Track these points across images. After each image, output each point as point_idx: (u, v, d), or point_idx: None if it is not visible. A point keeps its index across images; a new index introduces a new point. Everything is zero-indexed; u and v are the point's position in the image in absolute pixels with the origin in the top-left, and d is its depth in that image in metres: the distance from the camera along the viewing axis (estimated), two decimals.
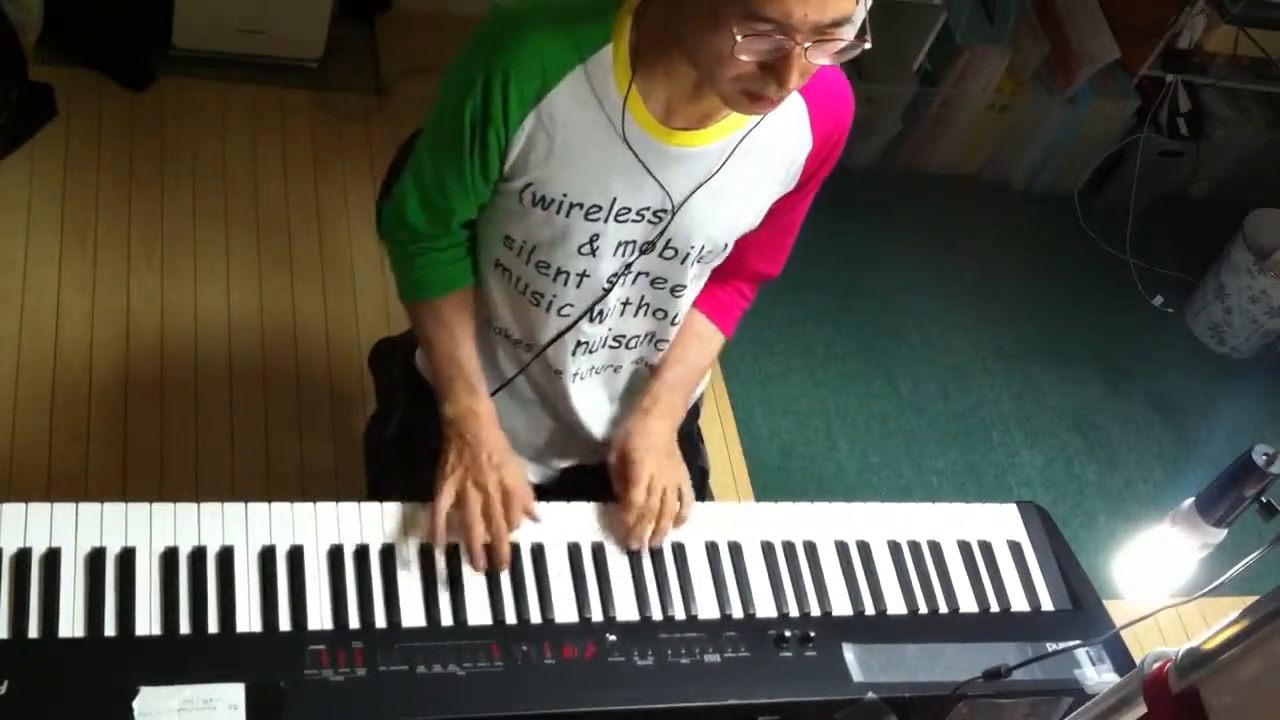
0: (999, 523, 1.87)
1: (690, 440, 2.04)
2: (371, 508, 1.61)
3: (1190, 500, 1.63)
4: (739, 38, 1.32)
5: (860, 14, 1.35)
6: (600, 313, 1.69)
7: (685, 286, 1.70)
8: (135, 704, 1.36)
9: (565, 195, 1.56)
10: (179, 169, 3.06)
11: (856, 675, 1.61)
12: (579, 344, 1.73)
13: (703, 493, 2.06)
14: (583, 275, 1.63)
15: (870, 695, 1.59)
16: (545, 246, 1.62)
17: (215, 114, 3.18)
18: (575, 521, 1.68)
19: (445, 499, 1.61)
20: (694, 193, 1.57)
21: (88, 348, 2.71)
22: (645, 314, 1.73)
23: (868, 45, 1.36)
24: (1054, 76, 3.66)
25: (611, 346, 1.76)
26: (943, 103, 3.63)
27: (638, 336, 1.76)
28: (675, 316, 1.76)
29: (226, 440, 2.66)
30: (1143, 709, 1.23)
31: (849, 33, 1.35)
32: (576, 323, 1.69)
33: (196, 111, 3.17)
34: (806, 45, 1.32)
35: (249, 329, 2.84)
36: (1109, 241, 3.84)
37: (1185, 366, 3.68)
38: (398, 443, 1.92)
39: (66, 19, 3.09)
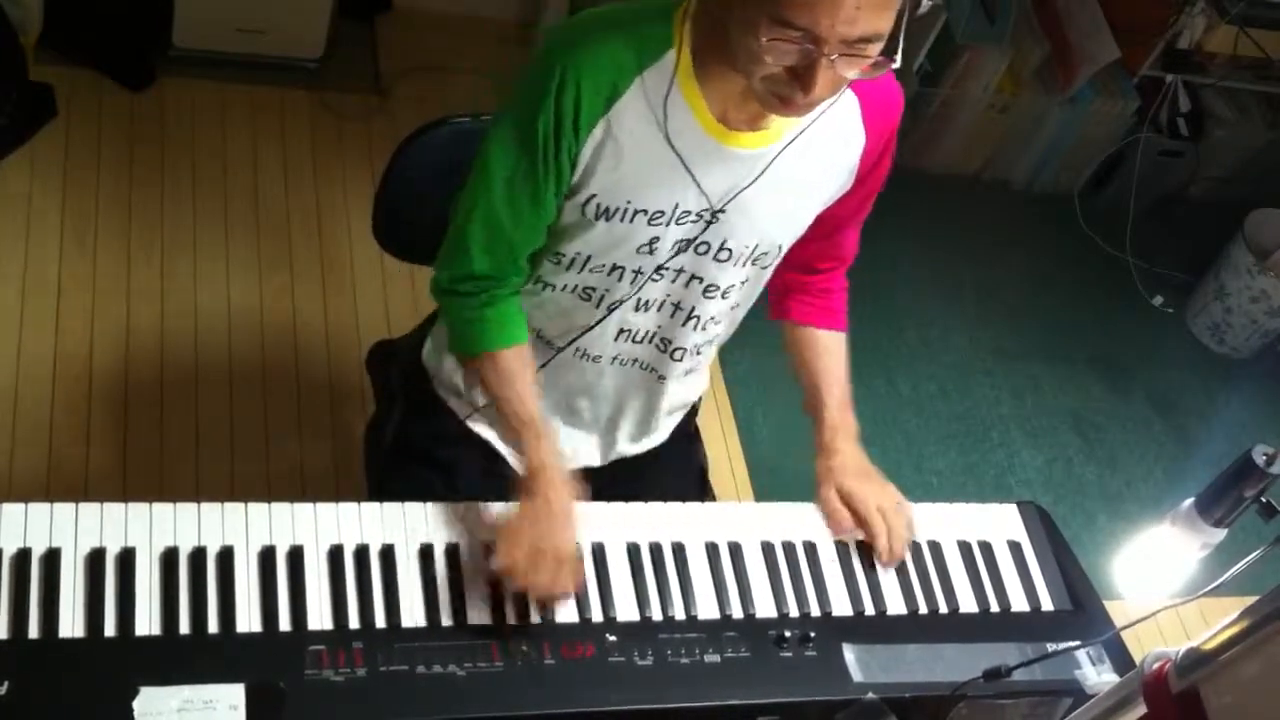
0: (999, 523, 1.87)
1: (688, 438, 2.04)
2: (371, 508, 1.61)
3: (1190, 500, 1.63)
4: (764, 40, 1.33)
5: (890, 27, 1.35)
6: (646, 303, 1.68)
7: (720, 288, 1.68)
8: (135, 704, 1.36)
9: (630, 203, 1.56)
10: (179, 169, 3.06)
11: (856, 675, 1.61)
12: (621, 331, 1.72)
13: (702, 490, 2.06)
14: (638, 272, 1.63)
15: (870, 695, 1.58)
16: (603, 251, 1.61)
17: (215, 114, 3.18)
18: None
19: (507, 560, 1.53)
20: (740, 193, 1.57)
21: (88, 347, 2.71)
22: (661, 309, 1.71)
23: (897, 64, 1.36)
24: (1054, 76, 3.66)
25: (637, 341, 1.75)
26: (943, 103, 3.63)
27: (649, 331, 1.74)
28: (699, 321, 1.72)
29: (226, 440, 2.66)
30: (1143, 709, 1.22)
31: (879, 49, 1.35)
32: (616, 307, 1.68)
33: (196, 111, 3.17)
34: (834, 57, 1.33)
35: (249, 329, 2.84)
36: (1109, 241, 3.84)
37: (1185, 366, 3.68)
38: (397, 445, 1.91)
39: (66, 19, 3.09)
